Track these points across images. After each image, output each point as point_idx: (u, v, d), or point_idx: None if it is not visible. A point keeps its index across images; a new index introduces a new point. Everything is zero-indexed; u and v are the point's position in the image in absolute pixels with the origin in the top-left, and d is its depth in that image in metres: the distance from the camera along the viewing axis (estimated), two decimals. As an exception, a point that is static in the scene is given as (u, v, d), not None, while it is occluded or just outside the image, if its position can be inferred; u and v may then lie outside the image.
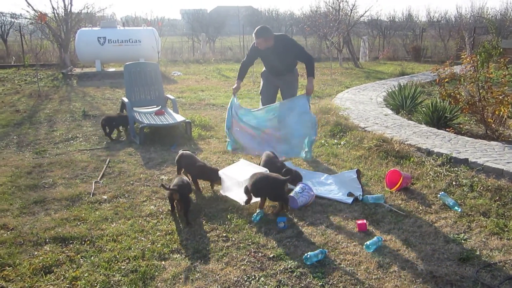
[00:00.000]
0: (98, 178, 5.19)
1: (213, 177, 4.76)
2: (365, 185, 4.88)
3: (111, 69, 15.40)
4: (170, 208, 4.27)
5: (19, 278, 3.19)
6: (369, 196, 4.50)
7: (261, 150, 5.49)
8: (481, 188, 4.64)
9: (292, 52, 5.68)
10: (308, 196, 4.34)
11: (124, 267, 3.32)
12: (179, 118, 7.13)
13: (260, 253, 3.52)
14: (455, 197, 4.51)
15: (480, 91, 6.91)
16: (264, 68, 6.07)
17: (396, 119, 7.79)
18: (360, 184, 4.82)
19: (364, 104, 9.32)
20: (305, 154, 5.50)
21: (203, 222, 4.06)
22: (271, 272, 3.25)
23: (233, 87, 5.87)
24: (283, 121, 5.69)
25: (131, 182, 5.09)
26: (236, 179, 4.47)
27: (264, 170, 4.55)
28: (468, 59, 7.30)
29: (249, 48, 5.94)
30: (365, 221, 3.94)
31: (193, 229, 3.93)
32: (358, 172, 4.98)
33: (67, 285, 3.11)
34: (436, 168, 5.24)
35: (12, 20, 22.25)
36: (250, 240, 3.72)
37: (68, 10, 16.58)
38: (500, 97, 6.59)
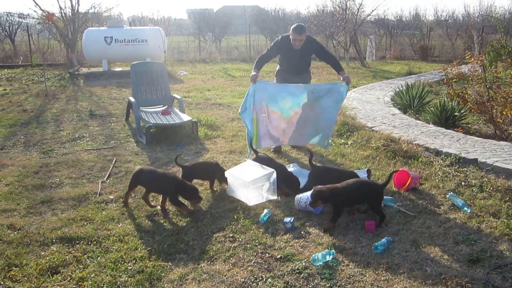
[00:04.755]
0: (105, 178, 5.18)
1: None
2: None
3: (118, 69, 15.42)
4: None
5: (26, 278, 3.19)
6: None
7: (287, 138, 5.74)
8: (491, 188, 4.59)
9: (315, 52, 5.86)
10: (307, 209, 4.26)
11: (130, 267, 3.31)
12: (185, 117, 7.12)
13: (267, 254, 3.50)
14: (464, 198, 4.45)
15: (489, 90, 6.84)
16: (278, 67, 6.06)
17: (403, 119, 7.73)
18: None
19: (371, 103, 9.27)
20: (327, 146, 5.73)
21: (210, 223, 4.05)
22: (279, 273, 3.23)
23: (252, 74, 5.60)
24: (318, 100, 5.65)
25: (138, 182, 5.08)
26: (242, 179, 4.45)
27: (271, 170, 4.53)
28: (472, 60, 7.22)
29: (271, 44, 5.91)
30: (374, 221, 3.91)
31: (200, 229, 3.92)
32: (368, 172, 4.94)
33: (74, 286, 3.10)
34: (445, 168, 5.19)
35: (20, 20, 22.30)
36: (257, 241, 3.70)
37: (75, 10, 16.64)
38: (508, 98, 6.52)
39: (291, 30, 5.57)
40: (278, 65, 6.09)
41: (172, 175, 4.44)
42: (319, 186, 3.93)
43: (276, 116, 5.74)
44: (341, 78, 5.62)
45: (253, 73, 5.63)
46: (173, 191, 4.23)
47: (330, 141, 5.81)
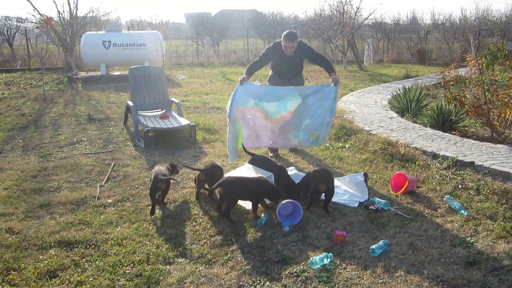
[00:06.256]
0: (103, 182, 5.19)
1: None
2: (371, 189, 4.86)
3: (116, 73, 15.45)
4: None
5: (24, 282, 3.19)
6: (376, 199, 4.47)
7: (275, 140, 5.49)
8: (488, 191, 4.61)
9: (307, 56, 5.80)
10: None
11: (129, 271, 3.32)
12: (183, 121, 7.14)
13: (265, 257, 3.51)
14: (461, 201, 4.48)
15: (486, 93, 6.87)
16: (271, 73, 6.03)
17: (401, 122, 7.76)
18: (366, 187, 4.80)
19: (368, 107, 9.30)
20: (319, 140, 5.48)
21: (208, 226, 4.06)
22: (276, 277, 3.24)
23: (241, 78, 5.43)
24: (306, 102, 5.44)
25: (136, 186, 5.09)
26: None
27: (269, 174, 4.55)
28: (473, 62, 7.26)
29: (263, 51, 5.80)
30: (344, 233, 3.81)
31: (198, 233, 3.93)
32: (365, 175, 4.96)
33: (72, 289, 3.11)
34: (442, 171, 5.21)
35: (18, 24, 22.33)
36: (255, 244, 3.71)
37: (74, 14, 16.65)
38: (506, 99, 6.56)
39: (282, 37, 5.50)
40: (271, 71, 6.05)
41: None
42: None
43: (262, 115, 5.50)
44: (331, 79, 5.47)
45: (243, 76, 5.46)
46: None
47: (325, 135, 5.49)
